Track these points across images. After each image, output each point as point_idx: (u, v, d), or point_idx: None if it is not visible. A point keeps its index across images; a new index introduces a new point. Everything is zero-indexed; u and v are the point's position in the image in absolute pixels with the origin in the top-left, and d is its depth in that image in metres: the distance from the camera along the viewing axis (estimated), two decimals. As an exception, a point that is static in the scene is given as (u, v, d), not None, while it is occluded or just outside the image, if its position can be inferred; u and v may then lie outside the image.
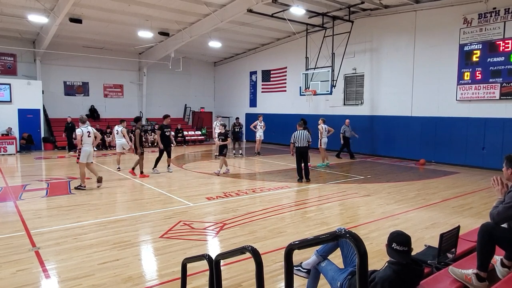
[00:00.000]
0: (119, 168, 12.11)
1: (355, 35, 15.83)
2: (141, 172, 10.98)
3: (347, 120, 15.31)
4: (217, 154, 11.25)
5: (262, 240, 5.60)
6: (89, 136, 9.21)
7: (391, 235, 2.69)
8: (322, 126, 13.15)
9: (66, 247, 5.20)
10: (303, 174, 10.34)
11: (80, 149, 9.21)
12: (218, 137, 11.96)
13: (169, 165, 11.90)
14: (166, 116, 11.90)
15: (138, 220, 6.62)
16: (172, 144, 12.06)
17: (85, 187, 9.13)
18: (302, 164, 10.32)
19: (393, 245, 2.62)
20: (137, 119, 11.53)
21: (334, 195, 8.77)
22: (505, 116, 12.19)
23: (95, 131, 9.61)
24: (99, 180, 9.38)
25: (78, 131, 9.23)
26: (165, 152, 11.57)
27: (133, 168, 11.06)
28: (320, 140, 13.11)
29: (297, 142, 10.23)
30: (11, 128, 16.75)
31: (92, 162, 9.51)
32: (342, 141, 15.10)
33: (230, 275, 4.27)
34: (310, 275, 3.41)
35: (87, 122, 9.49)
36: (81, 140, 9.07)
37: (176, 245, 5.33)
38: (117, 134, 12.25)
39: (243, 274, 4.31)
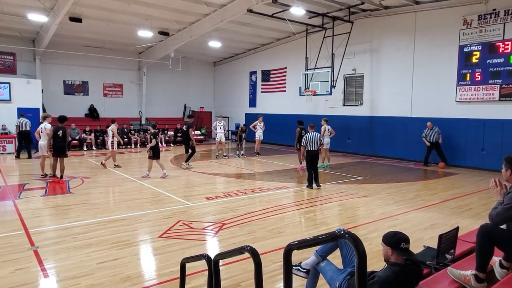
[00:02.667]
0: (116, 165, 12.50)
1: (355, 36, 15.84)
2: (61, 177, 10.18)
3: (429, 123, 13.43)
4: (151, 155, 10.76)
5: (261, 240, 5.60)
6: (41, 132, 10.52)
7: (394, 238, 2.69)
8: (325, 127, 13.14)
9: (65, 247, 5.19)
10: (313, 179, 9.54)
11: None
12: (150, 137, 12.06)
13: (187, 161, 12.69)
14: (191, 116, 12.50)
15: (137, 219, 6.62)
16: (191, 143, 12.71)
17: (45, 175, 10.43)
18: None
19: (401, 245, 2.65)
20: (63, 119, 10.49)
21: (333, 195, 8.77)
22: (504, 117, 12.20)
23: (46, 128, 10.40)
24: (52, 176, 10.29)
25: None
26: (185, 148, 12.54)
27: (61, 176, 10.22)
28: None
29: (308, 145, 9.47)
30: (6, 126, 16.67)
31: (45, 156, 10.69)
32: (429, 144, 13.42)
33: (229, 275, 4.27)
34: (309, 275, 3.42)
35: (46, 120, 10.69)
36: (39, 135, 10.68)
37: (175, 245, 5.33)
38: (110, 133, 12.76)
39: (242, 274, 4.31)
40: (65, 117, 10.71)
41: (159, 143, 11.04)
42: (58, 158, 10.20)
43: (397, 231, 2.77)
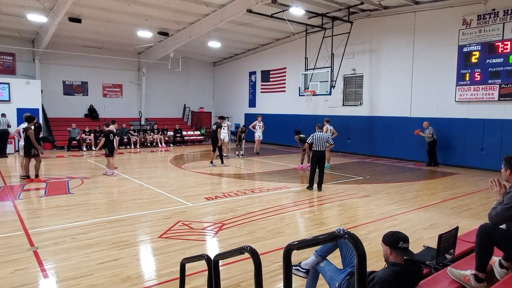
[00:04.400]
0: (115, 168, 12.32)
1: (355, 36, 15.84)
2: (36, 176, 10.16)
3: (425, 123, 13.46)
4: (107, 153, 11.31)
5: (261, 240, 5.60)
6: (20, 132, 10.67)
7: (392, 237, 2.70)
8: (327, 127, 13.14)
9: (65, 247, 5.19)
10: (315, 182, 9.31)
11: None
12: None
13: (213, 160, 13.38)
14: (223, 117, 13.86)
15: (136, 220, 6.62)
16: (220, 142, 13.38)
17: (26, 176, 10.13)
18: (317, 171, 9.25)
19: (400, 244, 2.66)
20: (30, 119, 10.39)
21: (333, 195, 8.77)
22: (504, 117, 12.21)
23: (21, 128, 10.57)
24: (25, 177, 10.12)
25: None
26: (212, 147, 13.34)
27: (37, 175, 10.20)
28: None
29: (314, 145, 9.17)
30: None
31: (22, 156, 10.62)
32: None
33: (228, 275, 4.27)
34: (309, 275, 3.42)
35: (28, 122, 10.45)
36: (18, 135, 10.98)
37: (174, 245, 5.32)
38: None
39: (242, 274, 4.31)
40: (29, 117, 10.38)
41: (115, 142, 11.40)
42: (30, 159, 10.15)
43: (396, 231, 2.78)
